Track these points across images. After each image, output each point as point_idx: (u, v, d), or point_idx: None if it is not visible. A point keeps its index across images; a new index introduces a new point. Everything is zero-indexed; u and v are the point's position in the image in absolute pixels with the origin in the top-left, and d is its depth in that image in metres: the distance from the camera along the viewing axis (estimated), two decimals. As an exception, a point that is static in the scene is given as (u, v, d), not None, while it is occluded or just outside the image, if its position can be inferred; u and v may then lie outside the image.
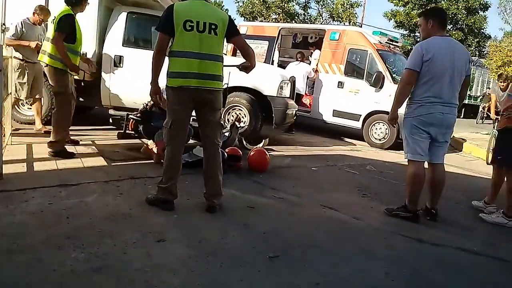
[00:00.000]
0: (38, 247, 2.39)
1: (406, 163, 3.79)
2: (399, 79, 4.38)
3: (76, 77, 5.05)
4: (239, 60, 3.85)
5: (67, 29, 4.40)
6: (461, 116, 19.66)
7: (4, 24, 5.96)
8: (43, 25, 5.60)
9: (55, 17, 4.48)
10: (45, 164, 4.11)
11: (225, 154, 4.59)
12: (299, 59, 9.54)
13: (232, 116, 6.49)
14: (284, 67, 9.13)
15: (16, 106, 5.99)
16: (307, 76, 9.27)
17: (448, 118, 3.59)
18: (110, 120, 5.60)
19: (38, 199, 3.11)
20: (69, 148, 4.65)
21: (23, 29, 5.32)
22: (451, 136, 3.88)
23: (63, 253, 2.34)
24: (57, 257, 2.29)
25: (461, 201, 4.64)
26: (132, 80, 6.01)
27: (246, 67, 3.45)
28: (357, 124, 8.65)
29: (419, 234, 3.40)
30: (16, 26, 5.31)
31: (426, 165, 3.79)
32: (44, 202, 3.07)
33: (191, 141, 4.76)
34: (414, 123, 3.62)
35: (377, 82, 8.26)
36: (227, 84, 3.91)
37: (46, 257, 2.27)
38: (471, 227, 3.83)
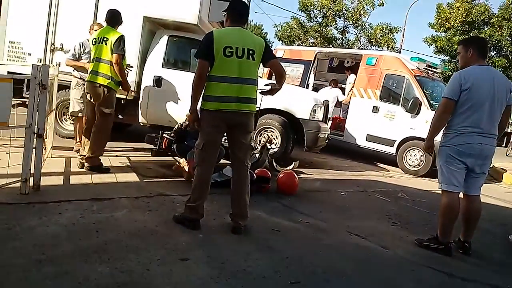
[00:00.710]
0: (66, 259, 2.48)
1: (441, 192, 3.68)
2: (437, 105, 4.28)
3: (117, 95, 5.20)
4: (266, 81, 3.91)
5: (124, 51, 4.60)
6: (503, 145, 18.85)
7: (53, 44, 6.34)
8: None
9: (105, 37, 4.59)
10: (81, 178, 4.28)
11: (254, 175, 4.62)
12: (332, 85, 9.84)
13: (264, 137, 6.54)
14: (318, 91, 9.16)
15: (59, 121, 6.32)
16: (338, 100, 9.52)
17: (486, 149, 3.47)
18: (145, 138, 5.78)
19: (71, 212, 3.24)
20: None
21: (81, 50, 5.42)
22: (489, 168, 3.73)
23: (90, 267, 2.42)
24: (83, 270, 2.37)
25: (497, 234, 4.43)
26: (169, 100, 6.21)
27: (271, 91, 3.55)
28: (391, 150, 8.48)
29: (450, 267, 3.27)
30: (74, 47, 5.43)
31: (461, 195, 3.66)
32: (76, 215, 3.20)
33: (221, 161, 4.83)
34: (450, 153, 3.52)
35: (414, 108, 8.11)
36: (259, 107, 3.97)
37: (73, 270, 2.36)
38: (506, 263, 3.65)
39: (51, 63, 6.00)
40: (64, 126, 6.45)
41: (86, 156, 4.63)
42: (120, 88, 5.48)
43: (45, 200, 3.41)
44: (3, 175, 3.52)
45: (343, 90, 10.05)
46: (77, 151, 5.18)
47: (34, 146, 3.58)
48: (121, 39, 4.56)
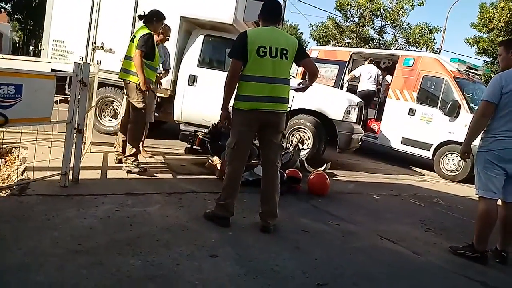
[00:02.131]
0: (100, 250, 2.58)
1: (478, 199, 3.55)
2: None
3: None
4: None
5: (147, 47, 4.51)
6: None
7: (94, 43, 6.58)
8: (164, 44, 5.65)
9: (134, 35, 4.65)
10: (118, 172, 4.43)
11: (285, 175, 4.63)
12: (368, 62, 9.87)
13: (296, 137, 6.53)
14: (353, 92, 9.04)
15: (98, 117, 6.56)
16: (375, 77, 9.52)
17: None
18: (180, 135, 5.90)
19: (107, 205, 3.36)
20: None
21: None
22: None
23: (122, 259, 2.51)
24: (116, 262, 2.46)
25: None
26: (203, 98, 6.32)
27: (303, 88, 3.61)
28: (428, 154, 8.25)
29: (485, 277, 3.15)
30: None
31: (499, 202, 3.53)
32: (112, 208, 3.32)
33: (253, 161, 4.86)
34: (488, 158, 3.40)
35: (452, 111, 7.86)
36: (290, 107, 3.99)
37: (106, 261, 2.45)
38: (548, 276, 3.48)
39: (92, 61, 6.24)
40: (103, 122, 6.69)
41: (124, 156, 4.67)
42: (159, 87, 5.55)
43: (83, 193, 3.56)
44: (44, 168, 3.69)
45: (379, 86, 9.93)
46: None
47: (74, 141, 3.73)
48: (145, 36, 4.50)
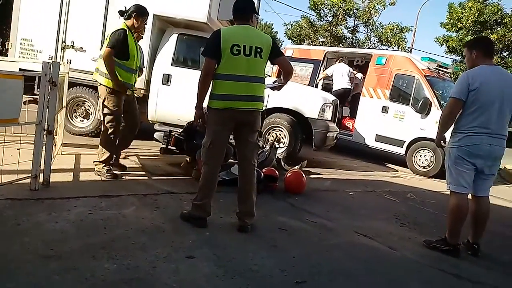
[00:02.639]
0: (74, 255, 2.50)
1: (449, 194, 3.64)
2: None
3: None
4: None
5: (118, 45, 4.17)
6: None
7: (64, 42, 6.40)
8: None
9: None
10: (90, 174, 4.32)
11: (262, 174, 4.62)
12: (339, 61, 10.03)
13: (272, 136, 6.54)
14: (328, 90, 9.13)
15: (69, 118, 6.39)
16: (348, 75, 9.62)
17: (495, 150, 3.43)
18: (154, 135, 5.81)
19: (79, 208, 3.27)
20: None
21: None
22: (498, 169, 3.69)
23: (97, 263, 2.44)
24: (90, 266, 2.39)
25: (508, 237, 4.39)
26: (178, 98, 6.24)
27: (278, 86, 3.61)
28: (401, 150, 8.43)
29: (458, 269, 3.24)
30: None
31: (469, 196, 3.63)
32: (85, 211, 3.23)
33: (230, 160, 4.83)
34: (458, 154, 3.48)
35: (424, 109, 8.05)
36: (266, 106, 3.99)
37: (80, 266, 2.38)
38: (516, 267, 3.60)
39: (62, 61, 6.07)
40: (74, 123, 6.52)
41: (93, 161, 4.43)
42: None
43: (54, 197, 3.45)
44: (13, 171, 3.56)
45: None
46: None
47: (44, 142, 3.61)
48: (116, 32, 4.19)
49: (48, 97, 3.59)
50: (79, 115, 6.55)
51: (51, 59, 6.14)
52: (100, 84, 4.35)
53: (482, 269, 3.36)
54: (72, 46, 6.37)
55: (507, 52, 26.84)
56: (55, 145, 4.44)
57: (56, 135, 4.32)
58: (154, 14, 6.14)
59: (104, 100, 4.35)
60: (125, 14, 4.42)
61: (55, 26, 6.35)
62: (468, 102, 3.43)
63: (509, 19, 25.04)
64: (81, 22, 6.32)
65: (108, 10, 6.23)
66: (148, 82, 6.38)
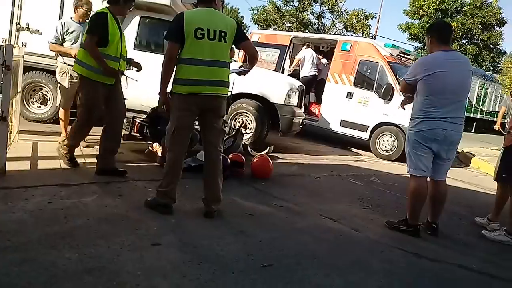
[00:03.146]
0: (33, 245, 2.41)
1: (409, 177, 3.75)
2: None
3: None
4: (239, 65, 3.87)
5: (98, 30, 3.84)
6: (472, 131, 19.43)
7: (19, 24, 6.07)
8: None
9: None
10: (49, 162, 4.15)
11: (228, 160, 4.60)
12: (306, 47, 10.05)
13: (238, 122, 6.51)
14: (294, 76, 9.15)
15: (25, 104, 6.10)
16: (315, 61, 9.69)
17: (451, 135, 3.50)
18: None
19: (38, 198, 3.15)
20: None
21: (64, 31, 4.81)
22: (456, 153, 3.80)
23: (57, 253, 2.36)
24: (50, 256, 2.31)
25: (464, 217, 4.57)
26: (141, 83, 6.06)
27: (245, 71, 3.59)
28: (365, 135, 8.60)
29: (418, 249, 3.35)
30: (56, 28, 4.83)
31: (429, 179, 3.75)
32: (44, 201, 3.11)
33: (196, 146, 4.78)
34: (416, 138, 3.57)
35: (387, 94, 8.21)
36: (231, 91, 3.94)
37: (40, 256, 2.29)
38: (472, 244, 3.77)
39: (16, 43, 5.76)
40: (31, 109, 6.24)
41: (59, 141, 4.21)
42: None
43: (11, 186, 3.30)
44: (-35, 160, 3.38)
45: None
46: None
47: (-2, 129, 3.44)
48: (93, 17, 3.95)
49: (1, 82, 3.41)
50: (36, 101, 6.27)
51: (5, 42, 5.81)
52: (76, 73, 4.15)
53: (441, 248, 3.50)
54: (27, 28, 6.05)
55: (466, 40, 27.82)
56: (11, 133, 4.24)
57: (11, 122, 4.11)
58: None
59: (81, 92, 4.13)
60: None
61: (9, 7, 6.00)
62: (423, 87, 3.49)
63: (469, 7, 25.94)
64: (37, 2, 6.00)
65: (65, -9, 5.95)
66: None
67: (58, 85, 5.05)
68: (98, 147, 4.97)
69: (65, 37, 4.85)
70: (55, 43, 4.85)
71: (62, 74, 4.90)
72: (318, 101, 9.65)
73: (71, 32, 4.85)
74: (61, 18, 5.94)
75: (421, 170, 3.58)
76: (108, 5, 4.01)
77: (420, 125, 3.53)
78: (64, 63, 4.88)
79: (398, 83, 8.28)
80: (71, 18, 4.94)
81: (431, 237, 3.70)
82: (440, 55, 3.52)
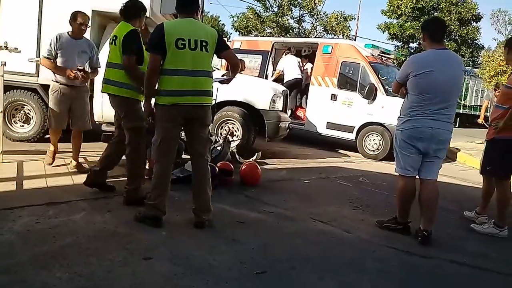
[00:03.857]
0: (22, 267, 2.37)
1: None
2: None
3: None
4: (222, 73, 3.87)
5: (136, 49, 3.62)
6: (456, 126, 19.74)
7: (6, 43, 5.98)
8: (86, 38, 4.78)
9: (115, 36, 3.69)
10: (35, 182, 4.09)
11: (216, 168, 4.60)
12: (286, 53, 10.08)
13: (225, 130, 6.51)
14: (279, 81, 9.18)
15: (8, 124, 6.02)
16: (298, 65, 9.67)
17: (440, 133, 3.42)
18: (102, 136, 5.59)
19: (25, 218, 3.10)
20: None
21: (58, 45, 4.48)
22: (445, 153, 3.65)
23: (47, 273, 2.32)
24: (41, 277, 2.28)
25: (453, 211, 4.63)
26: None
27: (227, 80, 3.59)
28: (351, 136, 8.67)
29: (409, 246, 3.39)
30: (50, 41, 4.51)
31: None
32: (31, 221, 3.06)
33: (184, 156, 4.76)
34: (402, 137, 3.53)
35: (370, 94, 8.30)
36: (215, 100, 3.95)
37: (30, 277, 2.26)
38: (462, 238, 3.83)
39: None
40: (14, 129, 6.15)
41: (126, 189, 3.74)
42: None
43: (-3, 208, 3.25)
44: None
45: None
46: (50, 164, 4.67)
47: (-19, 151, 3.39)
48: (131, 35, 3.59)
49: (-18, 103, 3.36)
50: (19, 120, 6.18)
51: (-17, 62, 5.73)
52: (115, 95, 3.76)
53: (431, 243, 3.51)
54: (6, 47, 5.97)
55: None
56: (-6, 153, 4.18)
57: (-6, 142, 4.05)
58: (92, 10, 5.85)
59: (126, 114, 3.76)
60: (125, 12, 3.80)
61: (-15, 27, 5.93)
62: (411, 86, 3.46)
63: (445, 4, 26.41)
64: (14, 22, 5.93)
65: (43, 9, 5.89)
66: (92, 81, 6.11)
67: (50, 104, 4.70)
68: (85, 164, 4.94)
69: (58, 51, 4.50)
70: (47, 58, 4.52)
71: (54, 93, 4.61)
72: (304, 105, 9.70)
73: (66, 48, 4.51)
74: (40, 34, 5.91)
75: (407, 169, 3.56)
76: (126, 21, 3.73)
77: (406, 124, 3.50)
78: (56, 81, 4.59)
79: (381, 83, 8.41)
80: (68, 33, 4.57)
81: (421, 233, 3.71)
82: (431, 54, 3.47)
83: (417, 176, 3.65)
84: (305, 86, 9.91)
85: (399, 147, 3.60)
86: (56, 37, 4.48)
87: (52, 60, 4.51)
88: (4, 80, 5.11)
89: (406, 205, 3.64)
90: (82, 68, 4.54)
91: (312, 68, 9.70)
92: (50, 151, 4.77)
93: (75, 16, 4.50)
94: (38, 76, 5.81)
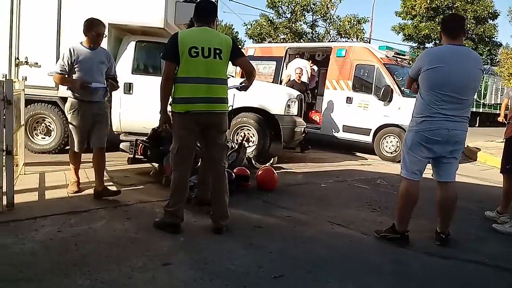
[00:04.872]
0: (45, 275, 2.43)
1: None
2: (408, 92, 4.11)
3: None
4: (239, 80, 3.87)
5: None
6: (476, 125, 19.36)
7: (18, 58, 6.18)
8: (102, 47, 4.29)
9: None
10: (56, 192, 4.19)
11: (233, 174, 4.62)
12: (297, 56, 10.18)
13: (241, 136, 6.55)
14: (292, 86, 9.19)
15: (30, 136, 6.18)
16: (306, 70, 9.59)
17: (456, 134, 3.26)
18: (120, 146, 5.70)
19: (47, 228, 3.18)
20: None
21: (73, 59, 3.94)
22: (462, 152, 3.52)
23: (70, 281, 2.38)
24: (63, 285, 2.34)
25: (474, 211, 4.55)
26: (141, 106, 6.15)
27: (245, 87, 3.55)
28: (368, 139, 8.61)
29: (429, 247, 3.35)
30: (63, 56, 4.00)
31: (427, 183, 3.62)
32: (53, 230, 3.14)
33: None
34: (416, 138, 3.33)
35: (386, 96, 8.24)
36: (232, 106, 3.98)
37: (53, 286, 2.32)
38: (483, 239, 3.76)
39: (16, 78, 5.86)
40: (35, 141, 6.32)
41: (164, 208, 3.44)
42: None
43: (20, 218, 3.34)
44: (-26, 196, 3.42)
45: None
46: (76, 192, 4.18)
47: (4, 164, 3.49)
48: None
49: (4, 117, 3.47)
50: (40, 133, 6.35)
51: (5, 77, 5.91)
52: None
53: (452, 244, 3.45)
54: (26, 62, 6.17)
55: (460, 35, 27.72)
56: (17, 165, 4.29)
57: (16, 155, 4.17)
58: (109, 23, 6.00)
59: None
60: (205, 18, 3.42)
61: (6, 43, 6.12)
62: (422, 82, 3.30)
63: (460, 3, 26.06)
64: (34, 37, 6.12)
65: (61, 23, 6.06)
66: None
67: (70, 125, 4.15)
68: (104, 172, 5.03)
69: (75, 66, 3.95)
70: (61, 74, 3.97)
71: (73, 111, 4.04)
72: (319, 108, 9.68)
73: (83, 61, 3.97)
74: (59, 48, 6.06)
75: (413, 173, 3.38)
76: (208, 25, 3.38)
77: (421, 125, 3.30)
78: (75, 98, 4.03)
79: (396, 84, 8.34)
80: (81, 43, 4.06)
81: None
82: (445, 49, 3.33)
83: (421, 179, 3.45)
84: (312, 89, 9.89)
85: (410, 149, 3.39)
86: (70, 50, 3.96)
87: (66, 76, 3.99)
88: (25, 94, 5.28)
89: (407, 211, 3.43)
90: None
91: (317, 70, 9.71)
92: (74, 182, 4.29)
93: (90, 24, 4.03)
94: (57, 90, 5.95)
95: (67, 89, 4.11)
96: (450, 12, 26.15)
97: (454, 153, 3.37)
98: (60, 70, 3.97)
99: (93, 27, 4.02)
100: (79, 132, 4.11)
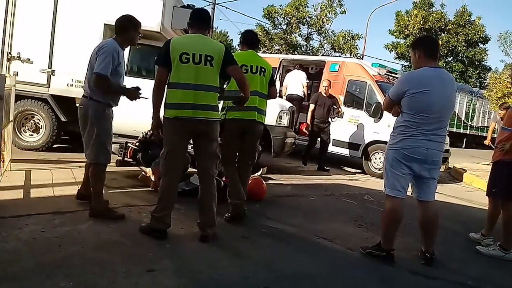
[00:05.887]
0: (27, 275, 2.39)
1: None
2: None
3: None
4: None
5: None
6: (463, 146, 19.64)
7: (10, 53, 6.12)
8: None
9: (264, 67, 4.18)
10: (42, 191, 4.13)
11: (222, 182, 4.60)
12: (297, 68, 10.11)
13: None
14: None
15: (17, 132, 6.10)
16: (303, 83, 9.73)
17: (433, 154, 3.32)
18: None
19: (31, 226, 3.12)
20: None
21: (116, 62, 3.49)
22: (439, 173, 3.56)
23: (52, 282, 2.34)
24: (45, 286, 2.29)
25: (458, 232, 4.59)
26: (133, 108, 6.07)
27: (240, 101, 3.49)
28: (357, 154, 8.66)
29: (414, 266, 3.36)
30: (112, 55, 3.43)
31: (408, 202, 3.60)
32: (37, 229, 3.08)
33: (189, 169, 4.78)
34: (395, 156, 3.35)
35: (376, 113, 8.31)
36: (225, 115, 3.98)
37: (34, 286, 2.28)
38: (467, 260, 3.79)
39: (8, 73, 5.80)
40: (23, 137, 6.24)
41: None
42: None
43: (4, 215, 3.27)
44: (-43, 190, 3.36)
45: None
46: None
47: (-10, 159, 3.44)
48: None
49: (-6, 112, 3.42)
50: (28, 129, 6.27)
51: (-3, 72, 5.85)
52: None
53: (436, 264, 3.46)
54: (19, 58, 6.10)
55: (451, 57, 28.41)
56: (3, 162, 4.22)
57: (3, 151, 4.11)
58: (104, 24, 6.00)
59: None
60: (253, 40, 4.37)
61: (-1, 38, 6.07)
62: (407, 104, 3.33)
63: (452, 25, 26.63)
64: (28, 33, 6.07)
65: (56, 21, 6.02)
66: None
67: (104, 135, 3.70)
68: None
69: (117, 68, 3.53)
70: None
71: (110, 120, 3.75)
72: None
73: (121, 63, 3.61)
74: (52, 46, 6.01)
75: (397, 190, 3.37)
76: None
77: (401, 143, 3.33)
78: (110, 105, 3.66)
79: (387, 102, 8.41)
80: (117, 41, 3.60)
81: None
82: (428, 72, 3.33)
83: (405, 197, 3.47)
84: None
85: (391, 166, 3.40)
86: (117, 49, 3.50)
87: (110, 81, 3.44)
88: (15, 89, 5.22)
89: (393, 228, 3.42)
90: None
91: (310, 83, 9.81)
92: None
93: (136, 23, 3.69)
94: (49, 87, 5.90)
95: (105, 95, 3.53)
96: (441, 34, 26.71)
97: (432, 173, 3.41)
98: (109, 74, 3.40)
99: (138, 26, 3.70)
100: (110, 141, 3.79)
